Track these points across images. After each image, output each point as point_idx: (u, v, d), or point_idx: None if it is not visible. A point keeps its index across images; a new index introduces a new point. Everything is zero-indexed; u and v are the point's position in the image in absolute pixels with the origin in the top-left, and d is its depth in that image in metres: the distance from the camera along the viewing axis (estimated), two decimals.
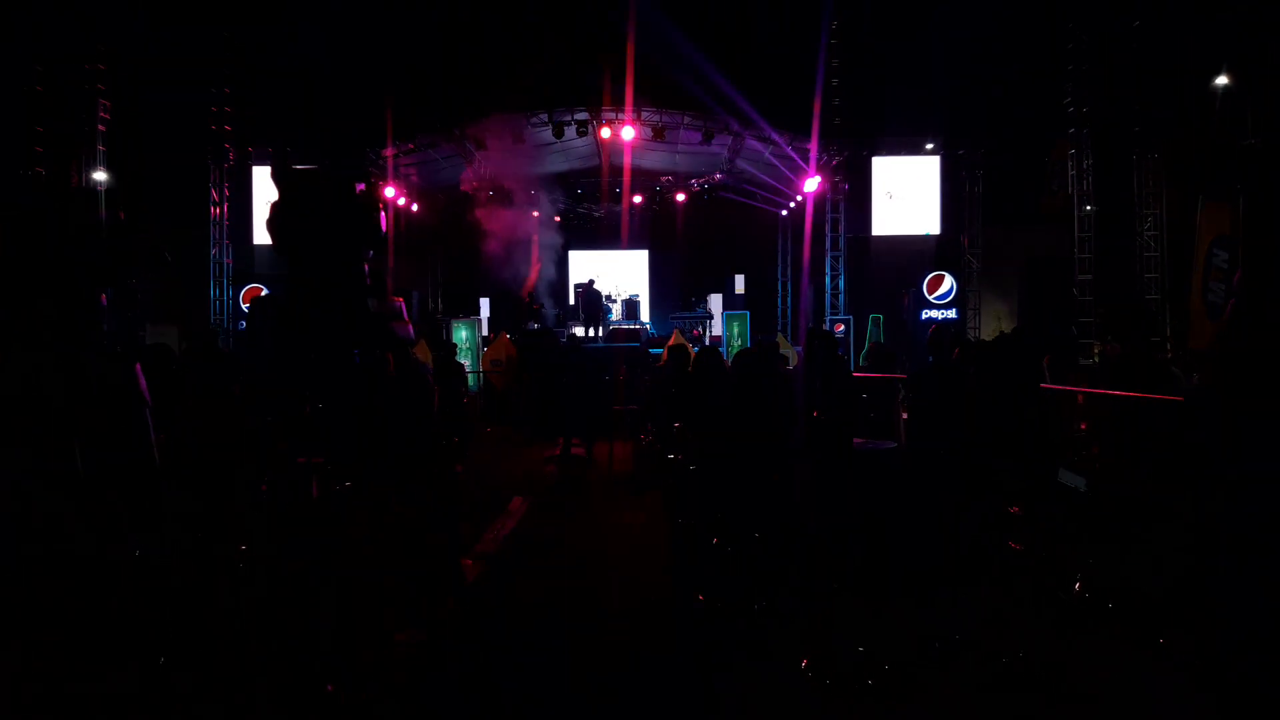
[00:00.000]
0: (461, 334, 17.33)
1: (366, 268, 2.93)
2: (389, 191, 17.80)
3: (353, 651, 3.37)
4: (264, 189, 17.37)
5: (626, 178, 20.23)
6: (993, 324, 17.59)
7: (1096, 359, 14.43)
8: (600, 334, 19.12)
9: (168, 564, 2.19)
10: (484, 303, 21.61)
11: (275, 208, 2.88)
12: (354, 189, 2.85)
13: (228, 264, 17.62)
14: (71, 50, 15.50)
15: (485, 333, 19.07)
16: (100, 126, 16.22)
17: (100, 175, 16.33)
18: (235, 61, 16.89)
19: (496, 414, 14.91)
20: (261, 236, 17.38)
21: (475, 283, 21.98)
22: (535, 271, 21.00)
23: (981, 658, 3.93)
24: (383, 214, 2.94)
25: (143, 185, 16.61)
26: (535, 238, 21.35)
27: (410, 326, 3.16)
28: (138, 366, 2.08)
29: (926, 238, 17.80)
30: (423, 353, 11.61)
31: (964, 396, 4.49)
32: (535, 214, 21.60)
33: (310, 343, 2.89)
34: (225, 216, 17.59)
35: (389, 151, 17.42)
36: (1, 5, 14.52)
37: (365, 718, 3.45)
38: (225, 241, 17.58)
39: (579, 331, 19.68)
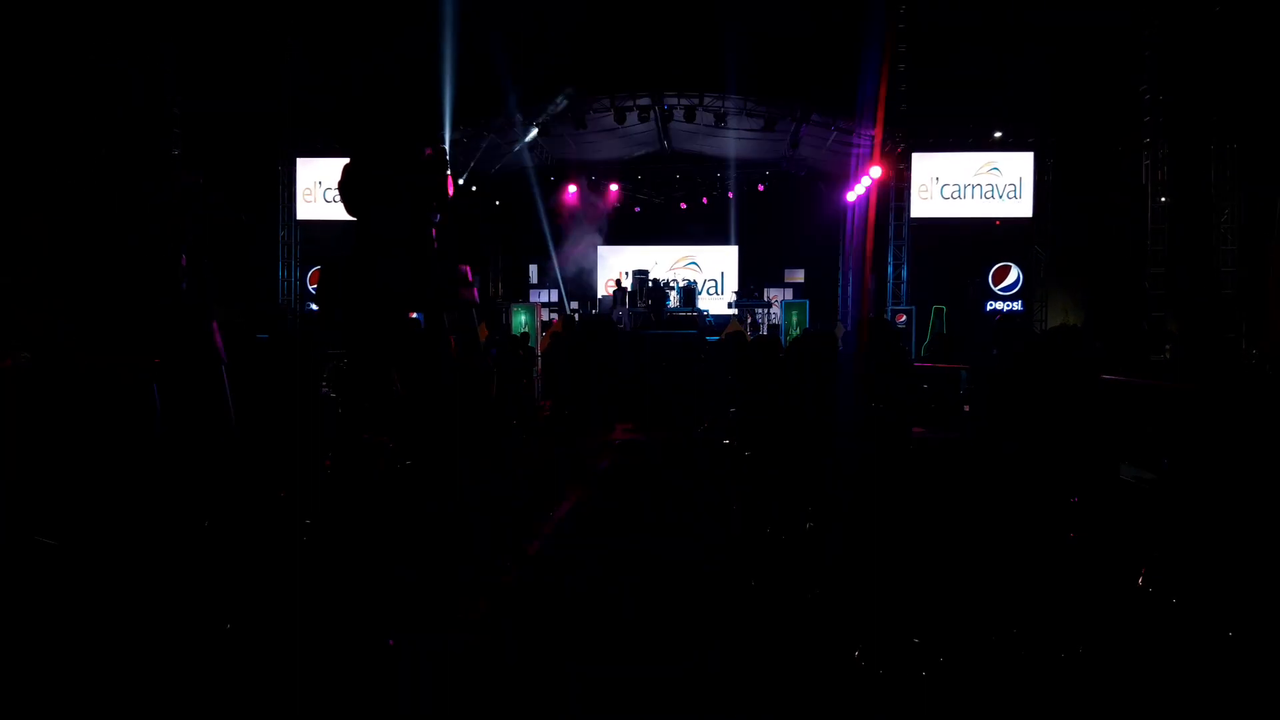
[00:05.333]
0: (521, 318, 17.51)
1: (434, 232, 2.98)
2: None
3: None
4: (305, 176, 17.76)
5: (688, 166, 20.18)
6: (1060, 316, 17.20)
7: (1168, 353, 14.05)
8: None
9: (234, 528, 2.26)
10: (547, 294, 21.84)
11: (347, 170, 2.95)
12: (422, 152, 2.91)
13: (296, 245, 18.00)
14: (144, 31, 15.90)
15: (545, 317, 19.24)
16: (175, 110, 16.66)
17: (175, 153, 16.78)
18: (302, 41, 17.18)
19: (555, 397, 15.03)
20: (305, 213, 17.80)
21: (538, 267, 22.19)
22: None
23: (1038, 650, 3.86)
24: (450, 179, 2.99)
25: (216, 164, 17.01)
26: (595, 224, 21.42)
27: (475, 291, 3.21)
28: (214, 324, 2.14)
29: (993, 228, 17.44)
30: (482, 335, 11.77)
31: (1027, 387, 4.41)
32: (595, 199, 21.66)
33: (379, 302, 2.95)
34: (293, 198, 17.97)
35: (452, 136, 17.59)
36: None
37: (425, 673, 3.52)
38: (293, 222, 17.96)
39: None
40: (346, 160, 2.91)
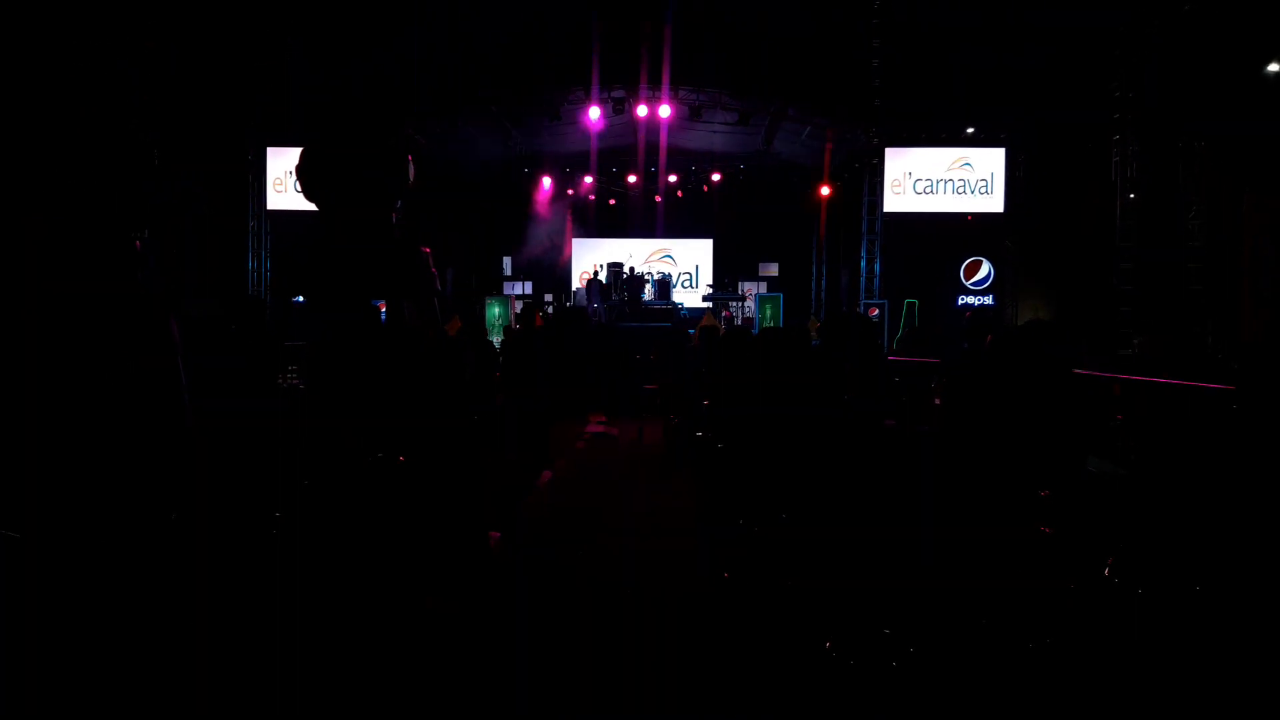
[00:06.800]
0: (494, 311, 17.44)
1: (395, 217, 2.94)
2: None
3: (382, 611, 3.41)
4: (276, 166, 17.61)
5: (662, 157, 20.16)
6: (1031, 311, 17.34)
7: (1135, 349, 14.22)
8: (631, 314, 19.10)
9: (196, 523, 2.22)
10: (520, 286, 21.71)
11: (306, 155, 2.89)
12: (383, 135, 2.87)
13: (266, 236, 17.80)
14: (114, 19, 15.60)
15: (519, 309, 19.16)
16: (141, 97, 16.35)
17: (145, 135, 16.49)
18: (275, 33, 16.96)
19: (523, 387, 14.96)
20: (274, 203, 17.63)
21: (512, 260, 22.06)
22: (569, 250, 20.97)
23: (1008, 642, 3.89)
24: (410, 164, 2.95)
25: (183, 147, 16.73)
26: (569, 217, 21.37)
27: (437, 277, 3.17)
28: (170, 313, 2.10)
29: (965, 223, 17.55)
30: (453, 328, 11.70)
31: (996, 381, 4.44)
32: (569, 192, 21.59)
33: (347, 290, 2.91)
34: (264, 188, 17.77)
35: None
36: None
37: (393, 674, 3.50)
38: (264, 213, 17.76)
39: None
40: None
